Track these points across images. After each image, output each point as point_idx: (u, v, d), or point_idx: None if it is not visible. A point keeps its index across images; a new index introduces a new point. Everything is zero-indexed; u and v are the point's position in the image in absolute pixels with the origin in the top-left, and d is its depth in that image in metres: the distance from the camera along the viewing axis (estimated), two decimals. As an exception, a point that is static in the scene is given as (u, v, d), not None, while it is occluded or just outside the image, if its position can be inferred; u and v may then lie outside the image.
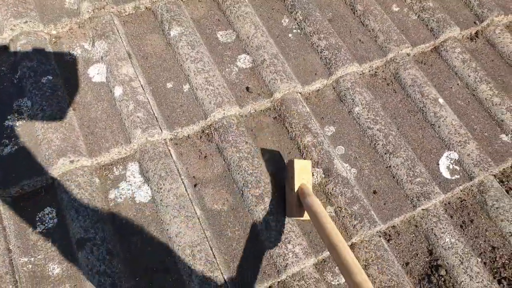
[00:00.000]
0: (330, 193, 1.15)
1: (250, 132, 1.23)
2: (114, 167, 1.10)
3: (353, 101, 1.31)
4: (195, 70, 1.24)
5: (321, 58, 1.37)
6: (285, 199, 1.11)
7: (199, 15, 1.40)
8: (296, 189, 1.06)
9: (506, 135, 1.34)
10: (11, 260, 0.91)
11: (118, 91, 1.16)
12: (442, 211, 1.21)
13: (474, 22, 1.54)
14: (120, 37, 1.26)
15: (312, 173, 1.18)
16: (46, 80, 1.13)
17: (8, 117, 1.09)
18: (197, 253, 0.98)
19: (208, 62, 1.27)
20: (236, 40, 1.36)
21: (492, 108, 1.37)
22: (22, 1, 1.22)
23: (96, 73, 1.20)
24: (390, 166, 1.23)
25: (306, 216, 1.04)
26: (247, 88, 1.28)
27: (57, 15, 1.26)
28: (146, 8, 1.36)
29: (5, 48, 1.19)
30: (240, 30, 1.37)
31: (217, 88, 1.22)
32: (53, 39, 1.24)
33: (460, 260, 1.11)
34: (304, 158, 1.21)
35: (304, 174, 1.09)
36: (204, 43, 1.33)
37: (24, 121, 1.09)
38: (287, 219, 1.07)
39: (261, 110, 1.28)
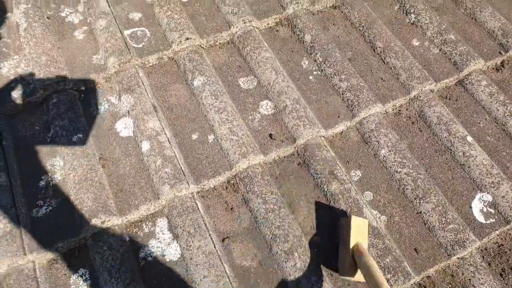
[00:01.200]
0: (360, 243, 1.12)
1: (275, 180, 1.22)
2: (144, 224, 1.11)
3: (378, 143, 1.29)
4: (219, 120, 1.25)
5: (343, 100, 1.36)
6: (314, 255, 1.09)
7: (220, 62, 1.42)
8: (351, 246, 1.04)
9: (542, 172, 1.29)
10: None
11: (145, 146, 1.18)
12: (479, 259, 1.16)
13: (499, 52, 1.50)
14: (145, 89, 1.29)
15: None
16: (77, 139, 1.16)
17: (42, 177, 1.12)
18: (229, 315, 0.97)
19: (231, 111, 1.28)
20: (258, 86, 1.38)
21: (525, 144, 1.33)
22: (53, 61, 1.28)
23: (123, 127, 1.23)
24: (421, 212, 1.20)
25: (358, 277, 1.02)
26: (270, 135, 1.28)
27: (85, 71, 1.30)
28: (169, 58, 1.39)
29: (38, 106, 1.24)
30: (261, 76, 1.38)
31: (241, 138, 1.23)
32: (82, 95, 1.28)
33: (505, 323, 1.06)
34: (331, 207, 1.19)
35: (360, 233, 1.07)
36: (227, 91, 1.34)
37: (57, 180, 1.12)
38: (318, 276, 1.05)
39: (285, 156, 1.27)
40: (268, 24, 1.51)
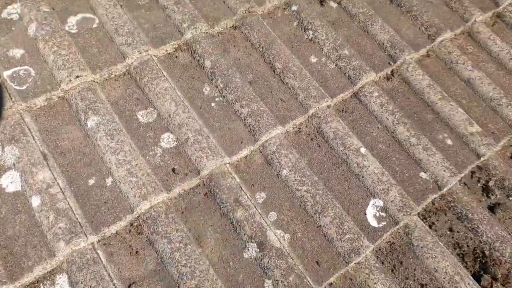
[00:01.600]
0: (266, 267, 1.18)
1: (181, 215, 1.24)
2: (41, 284, 1.07)
3: (280, 164, 1.35)
4: (116, 162, 1.22)
5: (245, 125, 1.39)
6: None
7: (117, 96, 1.38)
8: None
9: (425, 172, 1.43)
10: None
11: (35, 201, 1.12)
12: (373, 260, 1.28)
13: (389, 63, 1.62)
14: (33, 136, 1.22)
15: (248, 248, 1.21)
16: (-46, 204, 1.07)
17: None
18: None
19: (129, 150, 1.26)
20: (158, 119, 1.36)
21: (410, 148, 1.46)
22: None
23: (9, 182, 1.15)
24: (320, 226, 1.29)
25: None
26: (173, 170, 1.28)
27: (-41, 124, 1.19)
28: (59, 97, 1.32)
29: None
30: (160, 108, 1.36)
31: (140, 178, 1.21)
32: (-41, 151, 1.18)
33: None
34: (238, 233, 1.23)
35: None
36: (125, 128, 1.31)
37: None
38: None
39: (190, 189, 1.29)
40: (166, 50, 1.48)
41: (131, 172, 1.21)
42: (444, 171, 1.42)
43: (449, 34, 1.68)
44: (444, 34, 1.67)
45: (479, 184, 1.49)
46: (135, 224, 1.19)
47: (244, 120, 1.40)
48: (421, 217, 1.40)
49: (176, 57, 1.49)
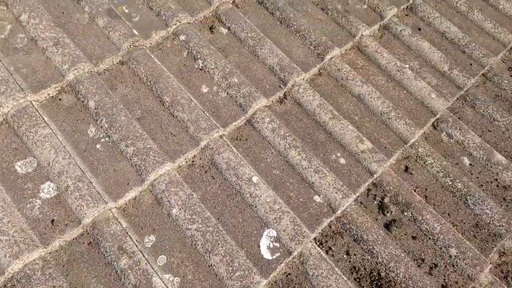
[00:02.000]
0: (149, 315, 1.17)
1: (61, 268, 1.20)
2: None
3: (169, 203, 1.34)
4: (-14, 221, 1.17)
5: (131, 165, 1.37)
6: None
7: (-8, 148, 1.32)
8: None
9: (319, 195, 1.46)
10: None
11: None
12: (267, 296, 1.28)
13: (279, 86, 1.63)
14: None
15: (131, 296, 1.19)
16: None
17: None
18: None
19: (2, 206, 1.21)
20: (38, 168, 1.31)
21: (303, 172, 1.48)
22: None
23: None
24: (211, 265, 1.28)
25: None
26: (52, 221, 1.24)
27: None
28: None
29: None
30: (40, 156, 1.32)
31: (13, 236, 1.17)
32: None
33: None
34: (123, 283, 1.21)
35: None
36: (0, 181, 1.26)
37: None
38: None
39: (73, 239, 1.25)
40: (49, 94, 1.43)
41: (2, 231, 1.17)
42: (336, 193, 1.44)
43: (337, 50, 1.72)
44: (332, 52, 1.70)
45: (375, 202, 1.53)
46: (9, 285, 1.15)
47: (130, 159, 1.37)
48: (318, 243, 1.41)
49: (60, 99, 1.45)
